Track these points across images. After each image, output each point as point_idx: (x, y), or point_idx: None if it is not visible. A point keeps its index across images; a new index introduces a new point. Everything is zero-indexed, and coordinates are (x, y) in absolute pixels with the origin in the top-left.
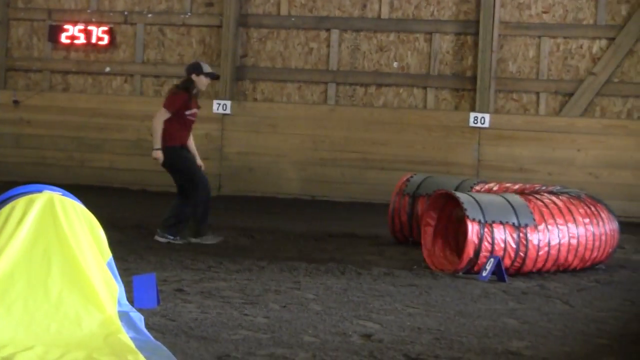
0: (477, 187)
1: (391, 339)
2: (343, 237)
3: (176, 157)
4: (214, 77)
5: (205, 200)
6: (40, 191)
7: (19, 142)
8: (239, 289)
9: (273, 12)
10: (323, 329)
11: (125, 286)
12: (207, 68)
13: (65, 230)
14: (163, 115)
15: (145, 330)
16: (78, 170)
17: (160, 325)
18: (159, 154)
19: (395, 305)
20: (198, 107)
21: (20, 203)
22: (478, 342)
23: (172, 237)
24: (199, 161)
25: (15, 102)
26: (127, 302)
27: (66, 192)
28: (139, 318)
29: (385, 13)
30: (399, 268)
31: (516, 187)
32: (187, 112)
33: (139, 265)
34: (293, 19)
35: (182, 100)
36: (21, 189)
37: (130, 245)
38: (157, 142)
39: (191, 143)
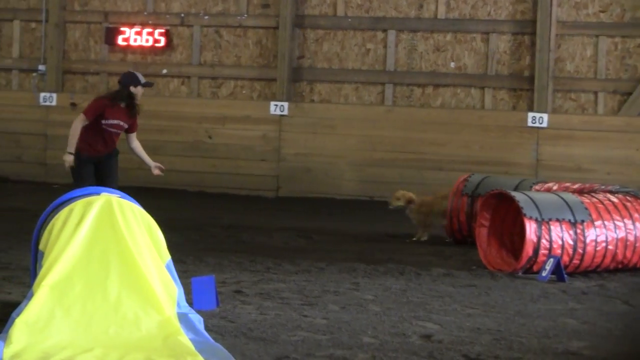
0: (536, 187)
1: (450, 340)
2: (402, 238)
3: (75, 165)
4: (149, 85)
5: None
6: (98, 193)
7: None
8: (297, 290)
9: (329, 13)
10: (382, 330)
11: (184, 288)
12: (142, 78)
13: (124, 233)
14: (79, 120)
15: (205, 332)
16: (136, 172)
17: (219, 326)
18: (67, 157)
19: (455, 305)
20: (129, 120)
21: (78, 205)
22: (538, 343)
23: None
24: (152, 163)
25: (73, 104)
26: (186, 304)
27: (124, 194)
28: (198, 320)
29: (441, 13)
30: (458, 268)
31: (575, 186)
32: (105, 122)
33: (198, 267)
34: (349, 20)
35: (99, 107)
36: (79, 191)
37: (189, 247)
38: (70, 146)
39: (137, 150)
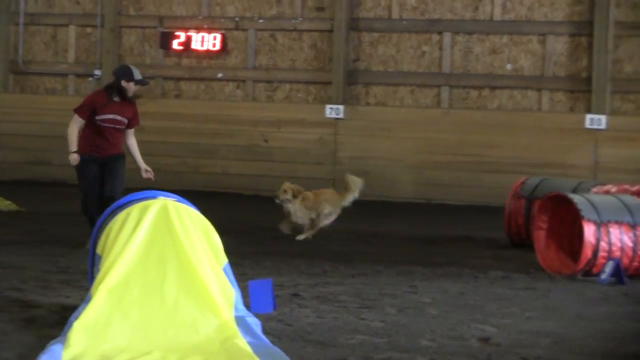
0: (595, 190)
1: (509, 343)
2: (459, 241)
3: (79, 165)
4: (144, 83)
5: (87, 217)
6: (154, 197)
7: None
8: (355, 293)
9: (384, 16)
10: (440, 333)
11: (241, 291)
12: (138, 75)
13: (180, 236)
14: (73, 120)
15: (262, 335)
16: (192, 176)
17: (276, 329)
18: (70, 157)
19: (513, 308)
20: (126, 114)
21: (135, 209)
22: (598, 346)
23: None
24: (143, 165)
25: None
26: (243, 307)
27: (180, 198)
28: (255, 323)
29: (497, 15)
30: (516, 271)
31: (634, 188)
32: (98, 117)
33: (255, 270)
34: (405, 22)
35: (89, 103)
36: (136, 195)
37: (245, 250)
38: (70, 146)
39: (131, 148)
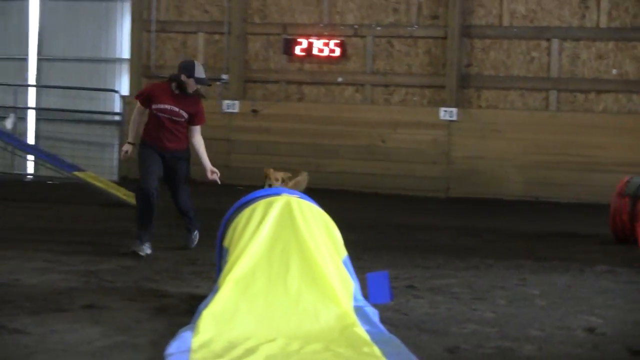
0: None
1: (614, 333)
2: (566, 236)
3: (140, 154)
4: (205, 83)
5: (140, 206)
6: (279, 194)
7: (258, 148)
8: (467, 285)
9: (495, 24)
10: (548, 323)
11: (360, 283)
12: (199, 72)
13: (303, 230)
14: (136, 108)
15: (380, 324)
16: (314, 174)
17: (393, 319)
18: (124, 147)
19: (618, 300)
20: (183, 107)
21: (260, 205)
22: None
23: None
24: (209, 166)
25: (254, 111)
26: (362, 298)
27: (303, 195)
28: (373, 312)
29: (603, 22)
30: (621, 265)
31: None
32: (155, 107)
33: (373, 263)
34: (515, 30)
35: (147, 89)
36: (261, 192)
37: (364, 245)
38: (129, 135)
39: (196, 145)
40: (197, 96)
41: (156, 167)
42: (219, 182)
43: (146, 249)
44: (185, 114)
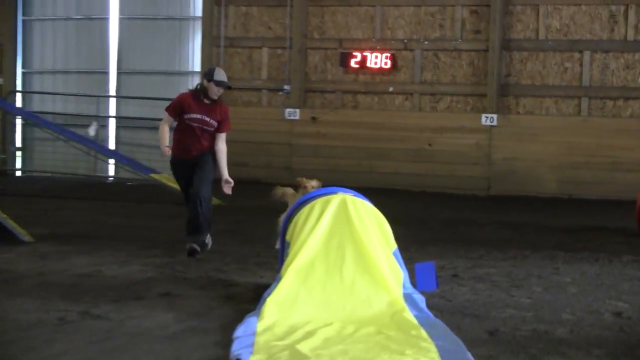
0: None
1: (639, 317)
2: (595, 230)
3: (171, 167)
4: (224, 85)
5: (189, 214)
6: (335, 193)
7: (316, 152)
8: (505, 274)
9: (532, 37)
10: (579, 308)
11: (408, 272)
12: (219, 75)
13: (357, 225)
14: (164, 118)
15: (427, 309)
16: (367, 175)
17: (439, 305)
18: (163, 149)
19: None
20: (212, 116)
21: (318, 203)
22: None
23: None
24: (225, 175)
25: (313, 118)
26: (410, 286)
27: (357, 193)
28: (420, 299)
29: (630, 35)
30: None
31: None
32: (187, 117)
33: (421, 254)
34: (550, 43)
35: (178, 101)
36: (319, 191)
37: (413, 238)
38: (161, 141)
39: (218, 153)
40: (219, 100)
41: (189, 184)
42: (230, 193)
43: (196, 247)
44: (214, 122)
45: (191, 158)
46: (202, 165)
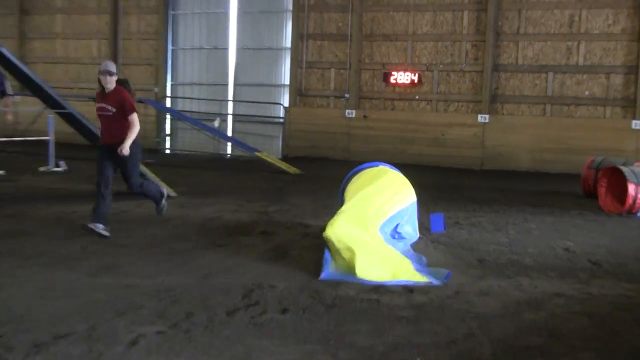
0: (636, 164)
1: (581, 251)
2: (554, 193)
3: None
4: (104, 73)
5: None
6: (377, 165)
7: (366, 139)
8: (491, 221)
9: (513, 62)
10: (540, 245)
11: (426, 219)
12: (104, 66)
13: (390, 184)
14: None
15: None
16: (400, 155)
17: (445, 241)
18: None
19: (584, 231)
20: (111, 104)
21: (365, 170)
22: (634, 253)
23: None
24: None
25: (364, 116)
26: (416, 230)
27: (392, 166)
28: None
29: (581, 62)
30: (587, 210)
31: None
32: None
33: (434, 207)
34: (525, 66)
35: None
36: (366, 165)
37: (429, 197)
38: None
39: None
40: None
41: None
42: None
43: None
44: (112, 108)
45: (105, 143)
46: (120, 160)
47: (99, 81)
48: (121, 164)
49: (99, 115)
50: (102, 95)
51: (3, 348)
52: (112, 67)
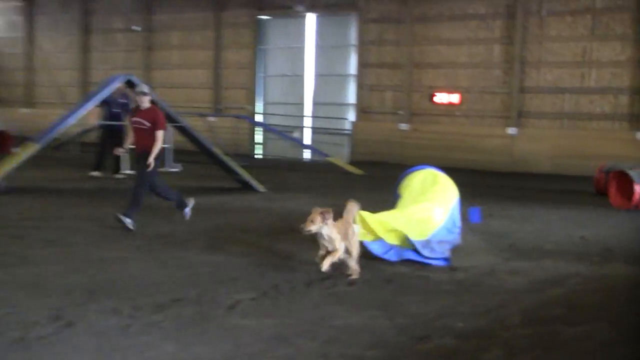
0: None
1: (595, 239)
2: (572, 192)
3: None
4: (137, 93)
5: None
6: (424, 168)
7: (416, 147)
8: (519, 214)
9: (536, 85)
10: (560, 234)
11: (465, 212)
12: (138, 87)
13: (436, 184)
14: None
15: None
16: (442, 160)
17: (482, 230)
18: None
19: (597, 223)
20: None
21: (416, 173)
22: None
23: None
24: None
25: (415, 129)
26: (454, 224)
27: (437, 168)
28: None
29: (592, 84)
30: (600, 206)
31: None
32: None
33: (472, 202)
34: (546, 88)
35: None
36: (414, 168)
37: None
38: None
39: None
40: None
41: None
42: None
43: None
44: (146, 123)
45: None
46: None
47: (136, 100)
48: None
49: (134, 128)
50: (139, 111)
51: (133, 308)
52: (147, 89)
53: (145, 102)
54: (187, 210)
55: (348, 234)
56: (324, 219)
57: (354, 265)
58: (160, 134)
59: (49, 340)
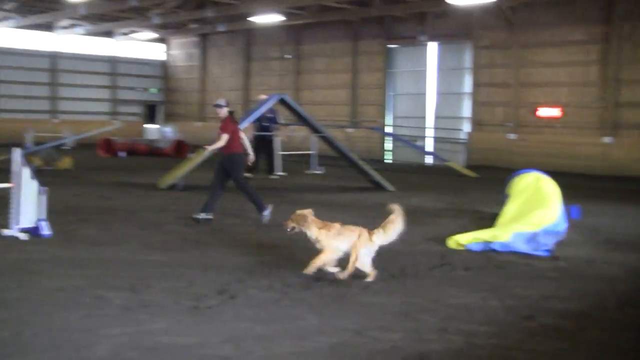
0: None
1: (606, 230)
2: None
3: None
4: (215, 106)
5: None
6: (529, 172)
7: (522, 153)
8: (614, 212)
9: (634, 101)
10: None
11: (566, 208)
12: (218, 101)
13: (542, 186)
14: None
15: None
16: (545, 164)
17: (581, 225)
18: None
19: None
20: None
21: (523, 175)
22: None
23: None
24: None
25: (522, 139)
26: (558, 224)
27: (543, 172)
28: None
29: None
30: None
31: None
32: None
33: (573, 201)
34: None
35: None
36: (520, 171)
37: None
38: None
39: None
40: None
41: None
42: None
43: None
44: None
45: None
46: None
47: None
48: (228, 168)
49: (220, 135)
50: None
51: (284, 285)
52: (221, 101)
53: (221, 114)
54: (201, 216)
55: (338, 235)
56: (299, 223)
57: (349, 267)
58: (221, 136)
59: (216, 309)
